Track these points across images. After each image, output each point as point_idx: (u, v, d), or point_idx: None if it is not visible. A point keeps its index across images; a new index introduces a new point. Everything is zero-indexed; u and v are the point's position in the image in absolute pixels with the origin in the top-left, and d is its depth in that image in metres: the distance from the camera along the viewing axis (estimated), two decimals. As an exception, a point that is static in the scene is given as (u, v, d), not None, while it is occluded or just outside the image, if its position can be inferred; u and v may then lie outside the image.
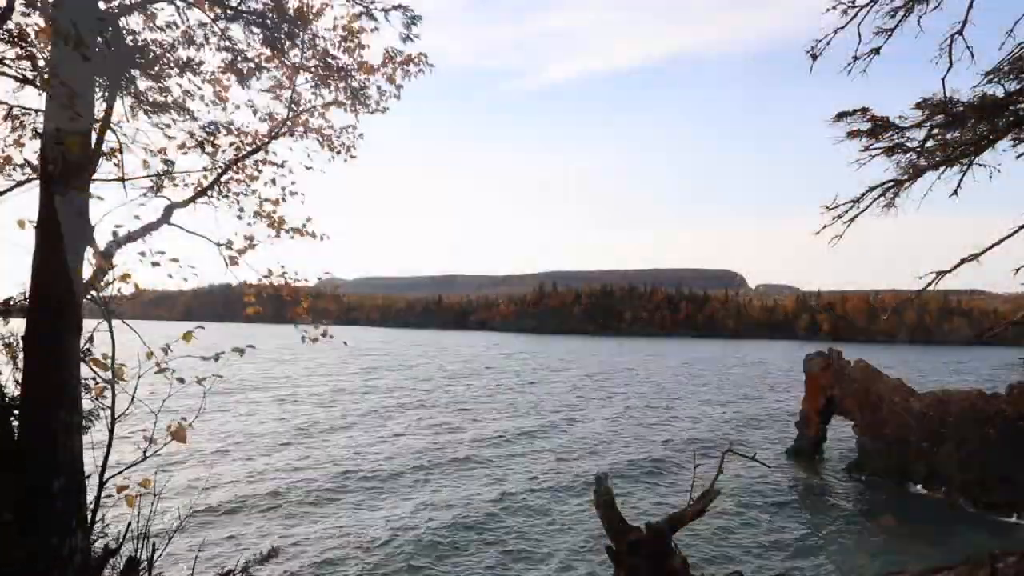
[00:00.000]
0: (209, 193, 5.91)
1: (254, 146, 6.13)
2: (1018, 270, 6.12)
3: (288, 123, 6.14)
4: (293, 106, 6.09)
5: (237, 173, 6.10)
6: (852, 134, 6.72)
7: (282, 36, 4.88)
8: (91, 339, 4.62)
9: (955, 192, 6.69)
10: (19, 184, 5.02)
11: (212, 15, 4.81)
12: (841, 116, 6.61)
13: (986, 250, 6.25)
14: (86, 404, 4.79)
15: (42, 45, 4.45)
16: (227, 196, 6.05)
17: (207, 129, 5.81)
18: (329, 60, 5.60)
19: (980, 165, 6.54)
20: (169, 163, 5.52)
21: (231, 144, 6.08)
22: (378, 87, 5.95)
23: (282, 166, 6.28)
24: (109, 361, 4.57)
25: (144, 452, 4.71)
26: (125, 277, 4.65)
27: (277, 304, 6.76)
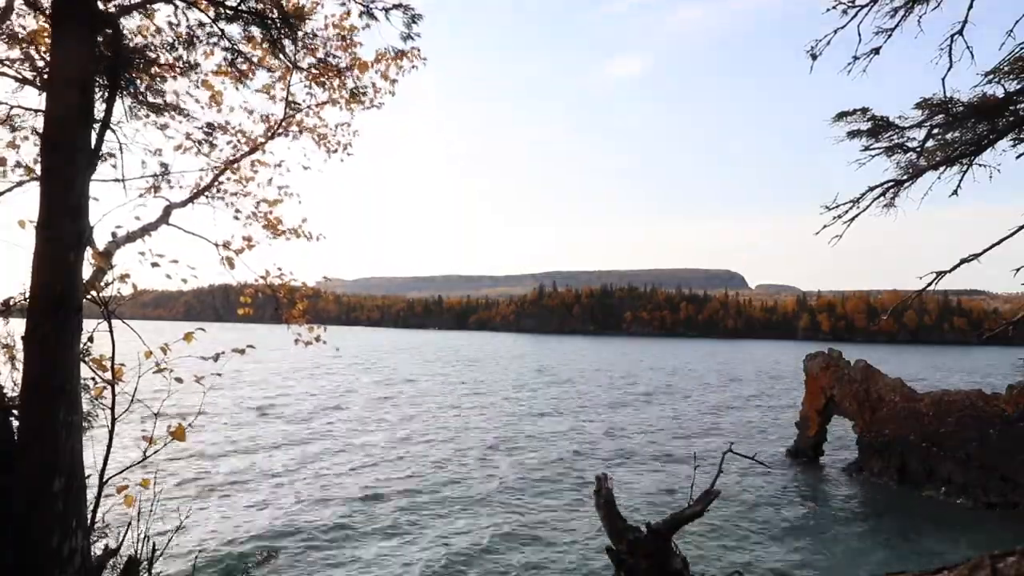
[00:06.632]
0: (207, 194, 5.92)
1: (251, 147, 6.13)
2: (1018, 270, 6.12)
3: (284, 123, 6.14)
4: (289, 106, 6.08)
5: (234, 174, 6.10)
6: (852, 134, 6.72)
7: (280, 36, 4.88)
8: (91, 339, 4.62)
9: (955, 192, 6.69)
10: (19, 184, 5.03)
11: (211, 15, 4.81)
12: (841, 116, 6.62)
13: (986, 250, 6.25)
14: (86, 404, 4.79)
15: (42, 48, 4.45)
16: (223, 197, 6.06)
17: (204, 130, 5.82)
18: (325, 58, 5.59)
19: (980, 165, 6.54)
20: (165, 165, 5.53)
21: (228, 143, 6.09)
22: (372, 84, 5.94)
23: (279, 166, 6.29)
24: (109, 361, 4.58)
25: (144, 452, 4.71)
26: (125, 277, 4.66)
27: (278, 305, 6.77)
